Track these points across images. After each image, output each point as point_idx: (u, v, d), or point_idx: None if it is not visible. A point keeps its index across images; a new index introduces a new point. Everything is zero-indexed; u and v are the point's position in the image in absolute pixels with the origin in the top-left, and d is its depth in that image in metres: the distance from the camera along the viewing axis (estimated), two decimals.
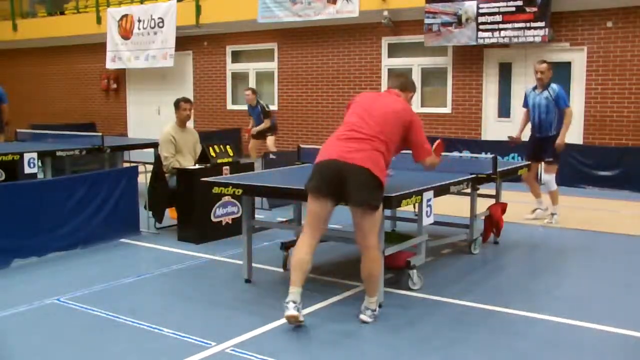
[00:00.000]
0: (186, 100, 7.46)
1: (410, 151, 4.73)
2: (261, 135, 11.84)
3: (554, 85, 7.73)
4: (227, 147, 7.28)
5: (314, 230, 4.40)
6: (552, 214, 7.77)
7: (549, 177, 7.69)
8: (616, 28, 11.06)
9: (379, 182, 4.26)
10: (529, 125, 7.86)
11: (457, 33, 11.84)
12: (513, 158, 10.63)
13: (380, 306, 4.70)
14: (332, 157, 4.30)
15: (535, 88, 7.83)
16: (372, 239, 4.36)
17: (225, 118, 15.97)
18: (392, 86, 4.87)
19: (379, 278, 4.50)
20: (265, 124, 11.70)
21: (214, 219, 6.84)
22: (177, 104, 7.37)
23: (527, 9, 11.09)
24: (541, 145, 7.68)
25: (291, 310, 4.14)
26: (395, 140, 4.47)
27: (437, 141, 5.02)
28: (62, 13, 18.58)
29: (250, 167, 7.31)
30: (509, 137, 8.11)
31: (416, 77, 13.18)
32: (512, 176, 7.02)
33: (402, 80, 4.95)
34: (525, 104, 7.95)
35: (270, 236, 6.67)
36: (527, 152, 7.96)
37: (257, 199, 7.47)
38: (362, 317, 4.43)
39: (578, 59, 11.46)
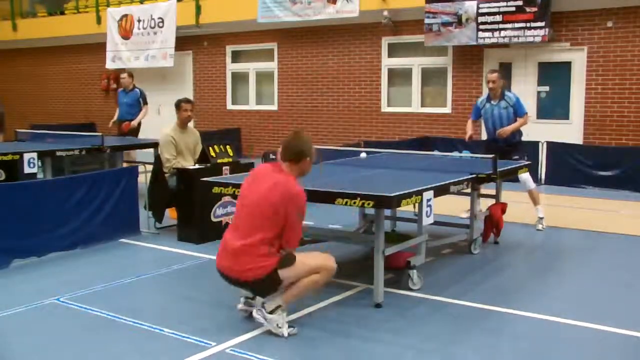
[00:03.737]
0: (187, 101, 7.44)
1: (411, 151, 4.66)
2: (135, 131, 11.00)
3: (509, 94, 7.64)
4: (227, 147, 7.28)
5: None
6: (540, 218, 7.55)
7: (525, 175, 7.39)
8: (616, 28, 11.06)
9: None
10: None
11: (457, 33, 11.84)
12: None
13: (379, 306, 4.70)
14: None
15: (489, 99, 7.67)
16: (312, 272, 4.24)
17: (225, 118, 15.97)
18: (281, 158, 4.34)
19: (303, 291, 4.28)
20: (145, 111, 11.04)
21: (214, 219, 6.84)
22: (178, 105, 7.31)
23: (527, 9, 11.09)
24: (508, 149, 7.51)
25: (241, 305, 4.46)
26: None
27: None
28: (62, 13, 18.57)
29: (250, 167, 7.30)
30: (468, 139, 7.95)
31: (416, 77, 13.20)
32: (512, 176, 7.02)
33: (290, 150, 4.28)
34: (476, 116, 7.84)
35: None
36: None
37: None
38: (254, 310, 4.29)
39: (578, 59, 11.46)
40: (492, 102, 7.63)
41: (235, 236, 4.18)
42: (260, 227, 4.08)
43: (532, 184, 7.56)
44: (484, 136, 7.95)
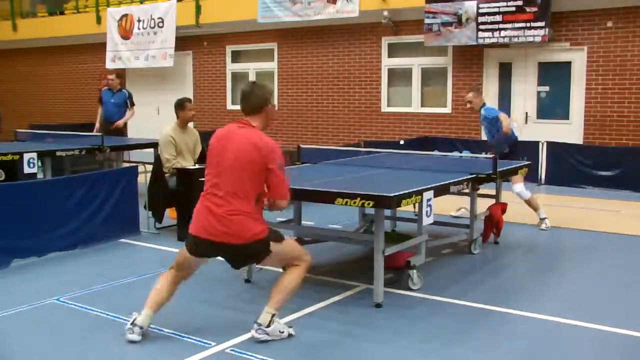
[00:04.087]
0: (189, 100, 7.44)
1: (413, 151, 4.60)
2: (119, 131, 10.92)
3: (482, 111, 7.68)
4: None
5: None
6: (542, 219, 7.57)
7: (519, 188, 7.39)
8: (616, 28, 11.06)
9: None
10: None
11: (457, 33, 11.84)
12: None
13: (379, 306, 4.70)
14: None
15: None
16: (288, 263, 4.21)
17: (225, 118, 15.95)
18: (243, 112, 4.23)
19: (290, 292, 4.17)
20: (132, 113, 11.01)
21: None
22: (182, 105, 7.24)
23: (527, 9, 11.08)
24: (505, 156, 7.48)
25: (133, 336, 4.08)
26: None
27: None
28: (62, 13, 18.56)
29: None
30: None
31: (416, 77, 13.20)
32: (512, 176, 7.02)
33: (251, 100, 4.16)
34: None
35: None
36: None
37: None
38: (252, 331, 4.10)
39: (578, 59, 11.46)
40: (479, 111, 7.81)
41: (219, 202, 3.99)
42: (244, 189, 3.95)
43: (526, 194, 7.48)
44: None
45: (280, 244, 4.10)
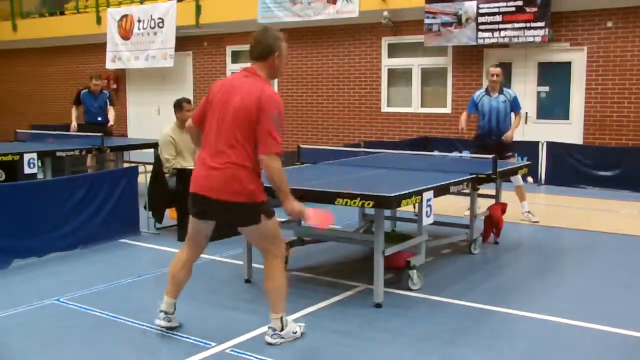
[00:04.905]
0: (188, 101, 7.44)
1: (414, 152, 4.51)
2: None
3: (508, 90, 7.80)
4: None
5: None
6: (528, 212, 7.75)
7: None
8: (616, 28, 11.06)
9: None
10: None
11: (457, 33, 11.84)
12: None
13: (379, 306, 4.70)
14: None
15: (487, 93, 7.78)
16: (265, 245, 4.04)
17: None
18: (250, 57, 4.00)
19: (280, 290, 4.05)
20: (113, 112, 10.87)
21: None
22: (180, 106, 7.26)
23: (527, 9, 11.09)
24: (501, 145, 7.64)
25: (161, 321, 4.20)
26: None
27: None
28: (62, 13, 18.55)
29: None
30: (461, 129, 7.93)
31: (416, 77, 13.20)
32: (512, 176, 7.03)
33: (257, 46, 3.95)
34: (473, 109, 7.86)
35: None
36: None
37: None
38: (267, 338, 4.05)
39: (578, 59, 11.46)
40: (491, 95, 7.69)
41: (216, 156, 3.81)
42: (242, 144, 3.75)
43: (521, 181, 7.70)
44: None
45: (269, 220, 3.94)
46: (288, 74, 14.82)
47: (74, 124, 10.69)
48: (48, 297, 4.97)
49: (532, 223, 7.70)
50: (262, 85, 3.81)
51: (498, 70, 7.71)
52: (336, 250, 6.38)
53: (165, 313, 4.19)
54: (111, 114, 10.92)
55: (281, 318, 4.03)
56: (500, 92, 7.71)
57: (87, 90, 10.79)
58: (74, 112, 10.81)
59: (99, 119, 10.87)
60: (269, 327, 4.05)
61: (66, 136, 10.21)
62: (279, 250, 4.07)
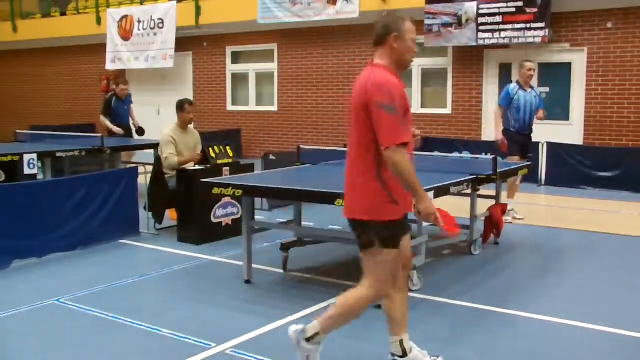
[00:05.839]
0: (190, 102, 7.44)
1: (414, 152, 3.76)
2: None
3: (535, 86, 7.92)
4: (227, 148, 7.28)
5: None
6: (511, 210, 7.84)
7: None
8: (616, 29, 11.07)
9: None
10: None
11: (457, 34, 11.84)
12: None
13: (379, 306, 4.70)
14: None
15: (521, 87, 7.83)
16: (369, 279, 3.44)
17: (225, 119, 15.98)
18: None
19: (348, 314, 3.53)
20: (132, 110, 11.12)
21: (214, 220, 6.84)
22: (181, 107, 7.29)
23: (527, 10, 11.09)
24: (526, 143, 7.90)
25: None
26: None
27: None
28: (63, 14, 18.54)
29: (250, 168, 7.31)
30: (498, 140, 7.90)
31: (416, 78, 13.20)
32: (512, 177, 7.03)
33: (374, 31, 3.56)
34: (507, 103, 7.85)
35: (270, 237, 6.67)
36: (513, 151, 7.87)
37: (257, 200, 7.48)
38: None
39: (578, 60, 11.46)
40: (526, 90, 7.78)
41: (347, 168, 3.40)
42: (361, 145, 3.28)
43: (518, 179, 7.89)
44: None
45: (387, 250, 3.28)
46: (288, 75, 14.83)
47: (117, 129, 10.67)
48: (48, 297, 4.97)
49: (514, 221, 7.72)
50: (370, 73, 3.31)
51: (534, 65, 7.90)
52: (336, 250, 6.38)
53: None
54: (134, 114, 11.16)
55: (401, 341, 3.55)
56: (532, 87, 7.88)
57: (114, 96, 10.86)
58: (107, 121, 10.75)
59: (127, 121, 11.06)
60: (390, 354, 3.63)
61: (66, 137, 10.21)
62: (379, 293, 3.45)
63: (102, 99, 11.70)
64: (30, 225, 5.95)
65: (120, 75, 17.26)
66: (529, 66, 7.82)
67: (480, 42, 11.65)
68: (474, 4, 11.59)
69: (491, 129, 7.76)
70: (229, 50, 15.81)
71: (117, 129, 10.68)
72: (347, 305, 3.47)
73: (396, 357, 3.62)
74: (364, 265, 3.43)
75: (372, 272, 3.37)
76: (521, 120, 7.83)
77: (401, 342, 3.60)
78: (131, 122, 11.06)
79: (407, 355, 3.59)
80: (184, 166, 7.05)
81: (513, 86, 7.91)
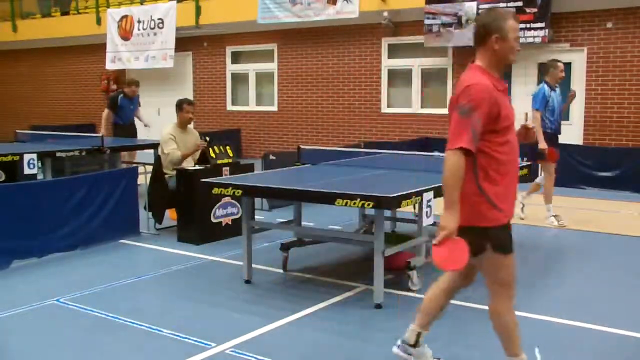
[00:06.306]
0: (189, 102, 7.45)
1: (414, 152, 4.00)
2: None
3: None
4: (227, 148, 7.28)
5: None
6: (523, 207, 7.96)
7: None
8: (616, 29, 11.07)
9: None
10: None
11: (457, 34, 11.85)
12: None
13: (379, 307, 4.70)
14: None
15: (552, 88, 7.70)
16: (493, 289, 3.32)
17: (225, 119, 15.98)
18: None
19: (504, 332, 3.39)
20: (140, 111, 11.27)
21: (213, 220, 6.84)
22: (180, 106, 7.30)
23: (527, 10, 11.09)
24: (558, 143, 7.90)
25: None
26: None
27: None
28: (66, 13, 18.54)
29: (250, 168, 7.31)
30: (545, 149, 7.60)
31: (416, 78, 13.21)
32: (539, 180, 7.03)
33: (474, 30, 3.32)
34: (543, 106, 7.60)
35: (270, 237, 6.67)
36: (552, 153, 7.74)
37: (257, 200, 7.47)
38: None
39: (578, 60, 11.46)
40: (556, 90, 7.75)
41: None
42: None
43: (540, 179, 8.07)
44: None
45: (497, 255, 3.17)
46: (288, 75, 14.83)
47: (105, 128, 10.72)
48: (48, 297, 4.97)
49: (559, 226, 7.67)
50: (465, 77, 3.19)
51: (563, 66, 7.82)
52: (336, 250, 6.38)
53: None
54: (143, 115, 11.37)
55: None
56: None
57: (122, 94, 10.99)
58: (108, 116, 10.85)
59: (132, 120, 11.22)
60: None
61: (66, 137, 10.21)
62: (508, 298, 3.32)
63: (102, 99, 11.75)
64: (30, 225, 5.95)
65: (120, 75, 17.28)
66: (562, 66, 7.70)
67: None
68: (474, 4, 11.60)
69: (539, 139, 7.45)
70: (229, 50, 15.82)
71: (105, 129, 10.74)
72: (503, 328, 3.38)
73: (405, 345, 3.59)
74: (483, 274, 3.37)
75: (491, 277, 3.31)
76: (555, 121, 7.79)
77: (419, 334, 3.59)
78: (141, 122, 11.23)
79: (416, 347, 3.59)
80: (184, 166, 7.05)
81: (545, 88, 7.66)
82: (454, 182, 3.09)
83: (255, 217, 6.04)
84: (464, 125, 3.01)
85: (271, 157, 9.37)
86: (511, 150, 3.17)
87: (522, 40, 11.21)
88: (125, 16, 16.17)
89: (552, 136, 7.82)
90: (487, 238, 3.15)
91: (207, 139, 7.40)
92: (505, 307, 3.32)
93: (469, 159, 3.06)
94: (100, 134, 9.13)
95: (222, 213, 6.92)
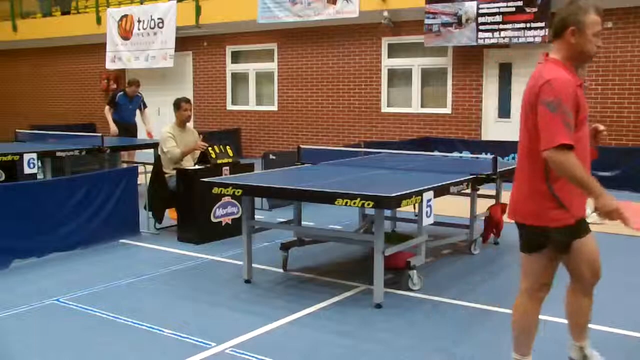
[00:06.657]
0: (186, 100, 7.45)
1: (414, 152, 4.12)
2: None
3: None
4: (227, 147, 7.28)
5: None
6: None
7: None
8: (616, 28, 11.07)
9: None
10: None
11: (457, 33, 11.84)
12: (513, 158, 10.62)
13: (379, 306, 4.70)
14: None
15: None
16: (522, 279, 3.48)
17: (225, 118, 15.98)
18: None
19: (518, 329, 3.59)
20: (146, 115, 11.27)
21: (213, 220, 6.84)
22: (177, 105, 7.32)
23: (527, 9, 11.09)
24: None
25: None
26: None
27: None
28: (67, 12, 18.53)
29: (250, 167, 7.31)
30: None
31: (416, 78, 13.21)
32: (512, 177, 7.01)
33: (553, 22, 3.20)
34: None
35: (270, 237, 6.67)
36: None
37: (257, 200, 7.48)
38: None
39: None
40: None
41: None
42: (530, 147, 3.13)
43: None
44: None
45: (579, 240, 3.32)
46: (288, 74, 14.83)
47: (114, 129, 10.77)
48: (48, 297, 4.97)
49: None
50: (542, 70, 3.08)
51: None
52: (336, 250, 6.38)
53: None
54: (149, 119, 11.33)
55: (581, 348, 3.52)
56: None
57: (122, 93, 11.06)
58: (109, 114, 10.90)
59: (132, 120, 11.24)
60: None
61: (66, 136, 10.21)
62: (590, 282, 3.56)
63: (103, 99, 11.76)
64: (30, 225, 5.95)
65: (120, 75, 17.28)
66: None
67: (480, 41, 11.64)
68: (474, 3, 11.59)
69: None
70: (229, 50, 15.82)
71: (113, 129, 10.74)
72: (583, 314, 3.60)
73: None
74: (567, 267, 3.52)
75: (574, 266, 3.53)
76: None
77: (581, 348, 3.57)
78: (144, 125, 11.22)
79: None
80: (184, 166, 7.06)
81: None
82: (581, 174, 3.08)
83: (255, 216, 6.04)
84: (557, 121, 2.95)
85: (271, 156, 9.37)
86: (583, 148, 3.21)
87: (522, 40, 11.22)
88: (125, 16, 16.16)
89: None
90: (549, 240, 3.22)
91: (201, 136, 7.42)
92: (590, 292, 3.52)
93: (542, 159, 3.04)
94: (99, 134, 9.13)
95: (222, 213, 6.92)
